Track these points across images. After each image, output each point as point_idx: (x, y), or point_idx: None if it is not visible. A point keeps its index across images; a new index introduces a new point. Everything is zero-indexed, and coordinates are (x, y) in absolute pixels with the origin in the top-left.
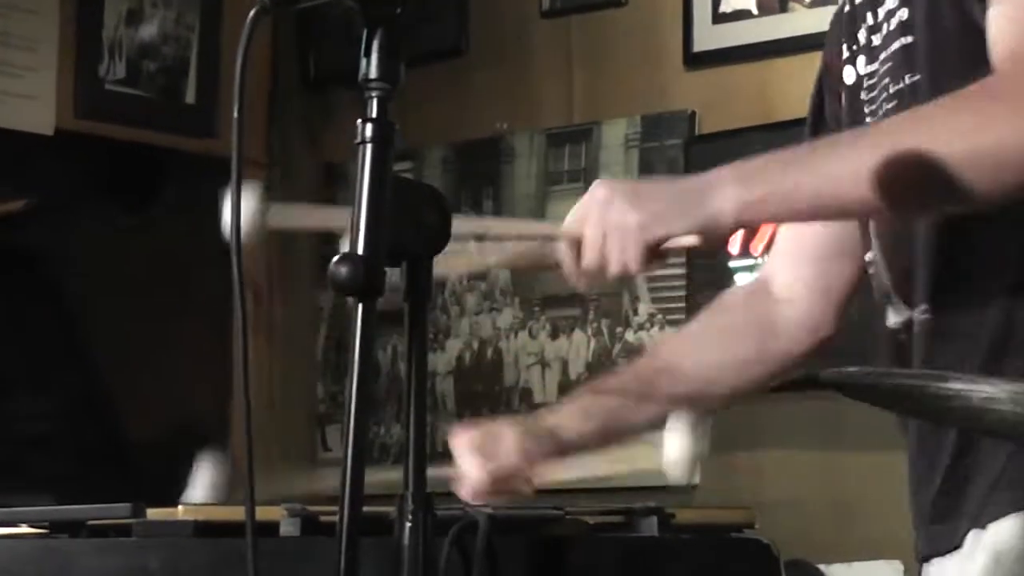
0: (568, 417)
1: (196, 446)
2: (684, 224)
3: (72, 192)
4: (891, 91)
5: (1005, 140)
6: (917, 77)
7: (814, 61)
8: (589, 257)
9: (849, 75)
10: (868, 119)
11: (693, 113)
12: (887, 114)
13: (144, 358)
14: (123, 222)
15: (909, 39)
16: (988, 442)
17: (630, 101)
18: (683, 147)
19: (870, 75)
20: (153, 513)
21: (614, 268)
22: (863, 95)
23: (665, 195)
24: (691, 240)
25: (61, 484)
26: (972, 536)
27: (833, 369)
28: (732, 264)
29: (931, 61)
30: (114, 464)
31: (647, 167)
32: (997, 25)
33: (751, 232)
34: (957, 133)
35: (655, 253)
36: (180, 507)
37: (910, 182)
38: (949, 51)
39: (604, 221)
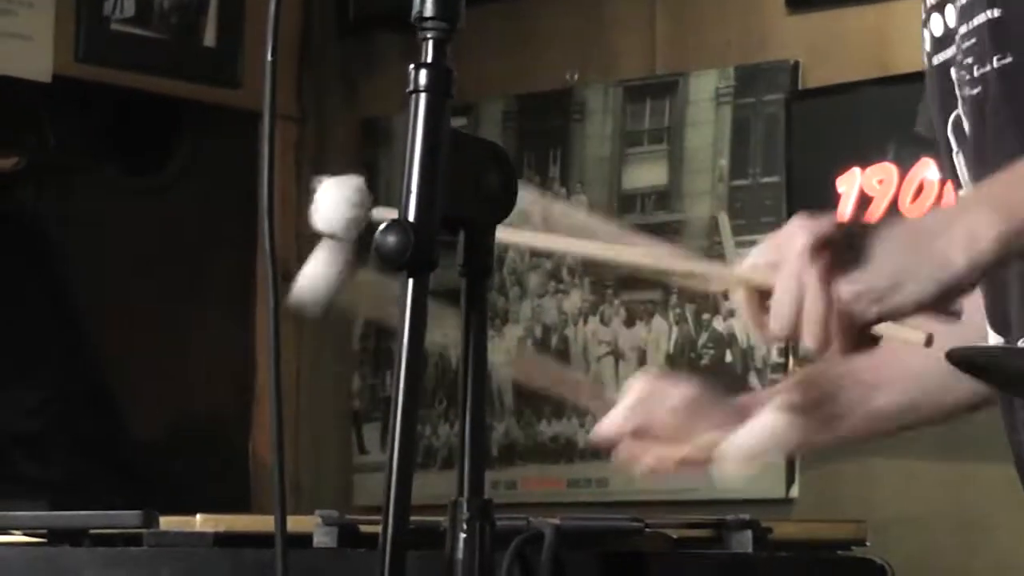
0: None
1: (211, 448)
2: (916, 293)
3: (71, 149)
4: (975, 73)
5: None
6: (1008, 60)
7: None
8: (779, 325)
9: (937, 26)
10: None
11: (796, 63)
12: (969, 103)
13: (153, 345)
14: (131, 185)
15: (996, 12)
16: None
17: (722, 49)
18: (784, 103)
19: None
20: (167, 522)
21: (811, 343)
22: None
23: (891, 254)
24: (919, 335)
25: (56, 488)
26: None
27: (964, 346)
28: None
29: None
30: (116, 467)
31: (741, 126)
32: None
33: (863, 204)
34: None
35: (868, 334)
36: (198, 516)
37: None
38: None
39: (802, 282)
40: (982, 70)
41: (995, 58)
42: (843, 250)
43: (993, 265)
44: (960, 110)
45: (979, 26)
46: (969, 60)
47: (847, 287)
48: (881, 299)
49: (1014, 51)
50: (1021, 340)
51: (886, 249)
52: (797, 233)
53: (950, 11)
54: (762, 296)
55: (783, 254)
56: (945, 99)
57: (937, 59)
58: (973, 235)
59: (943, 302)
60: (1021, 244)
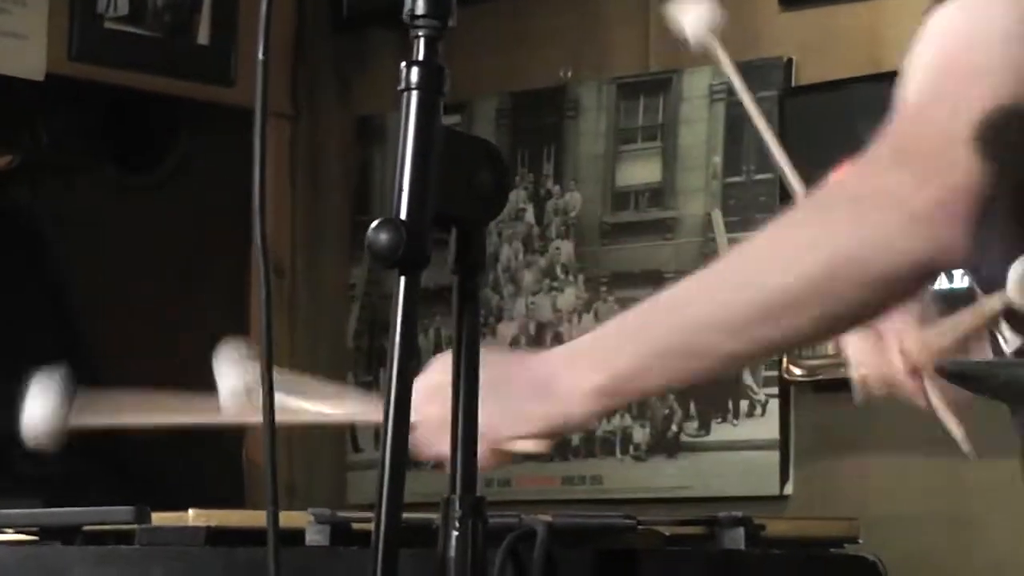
0: None
1: (205, 446)
2: (530, 428)
3: (65, 148)
4: None
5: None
6: None
7: None
8: (420, 447)
9: None
10: None
11: (789, 60)
12: None
13: (148, 342)
14: (125, 183)
15: None
16: None
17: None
18: (777, 100)
19: None
20: (159, 518)
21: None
22: None
23: (512, 393)
24: (539, 445)
25: (50, 485)
26: None
27: (957, 358)
28: None
29: None
30: (112, 465)
31: (735, 123)
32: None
33: None
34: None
35: (500, 455)
36: (190, 512)
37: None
38: None
39: (439, 415)
40: None
41: None
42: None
43: (601, 411)
44: None
45: None
46: None
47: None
48: (499, 430)
49: None
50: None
51: (509, 387)
52: (435, 363)
53: None
54: None
55: (427, 385)
56: None
57: None
58: (575, 385)
59: (554, 434)
60: (625, 393)
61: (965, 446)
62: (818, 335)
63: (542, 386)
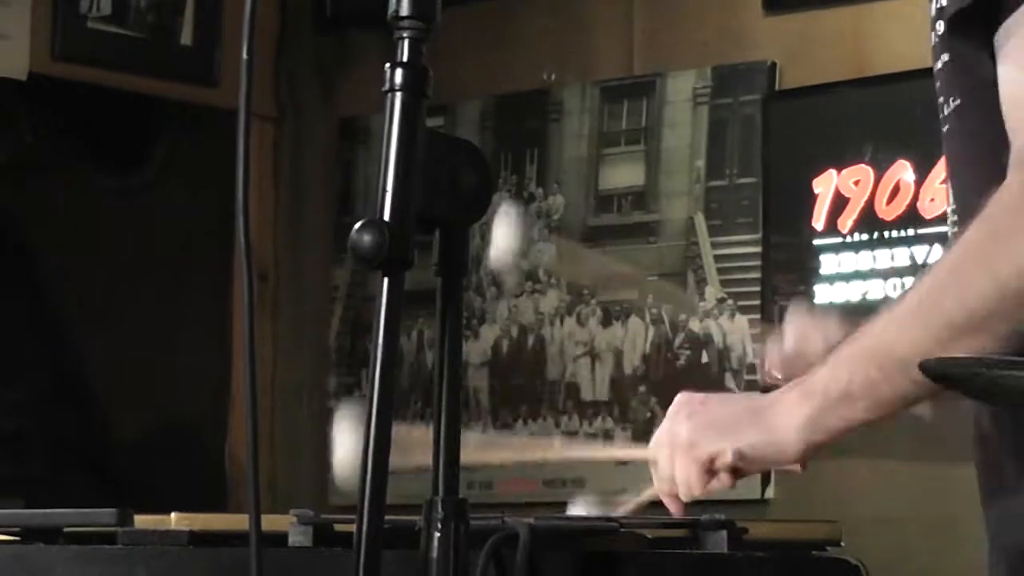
0: None
1: (188, 448)
2: (735, 442)
3: (48, 148)
4: (945, 112)
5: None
6: (959, 102)
7: (915, 5)
8: (658, 481)
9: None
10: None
11: (773, 64)
12: (944, 138)
13: (131, 344)
14: (108, 184)
15: (947, 57)
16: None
17: (699, 49)
18: (761, 104)
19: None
20: (142, 521)
21: (681, 492)
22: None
23: (728, 409)
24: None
25: (32, 486)
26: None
27: (937, 357)
28: (816, 242)
29: (968, 84)
30: (95, 467)
31: (718, 127)
32: (1007, 92)
33: (839, 205)
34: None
35: (713, 474)
36: (173, 515)
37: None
38: (974, 92)
39: (670, 439)
40: (946, 110)
41: (950, 99)
42: (694, 407)
43: (813, 442)
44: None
45: (939, 69)
46: (940, 100)
47: (687, 435)
48: (711, 439)
49: (962, 94)
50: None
51: (732, 404)
52: (674, 404)
53: (933, 37)
54: None
55: (663, 427)
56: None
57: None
58: (788, 413)
59: (759, 457)
60: (830, 423)
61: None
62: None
63: (758, 414)
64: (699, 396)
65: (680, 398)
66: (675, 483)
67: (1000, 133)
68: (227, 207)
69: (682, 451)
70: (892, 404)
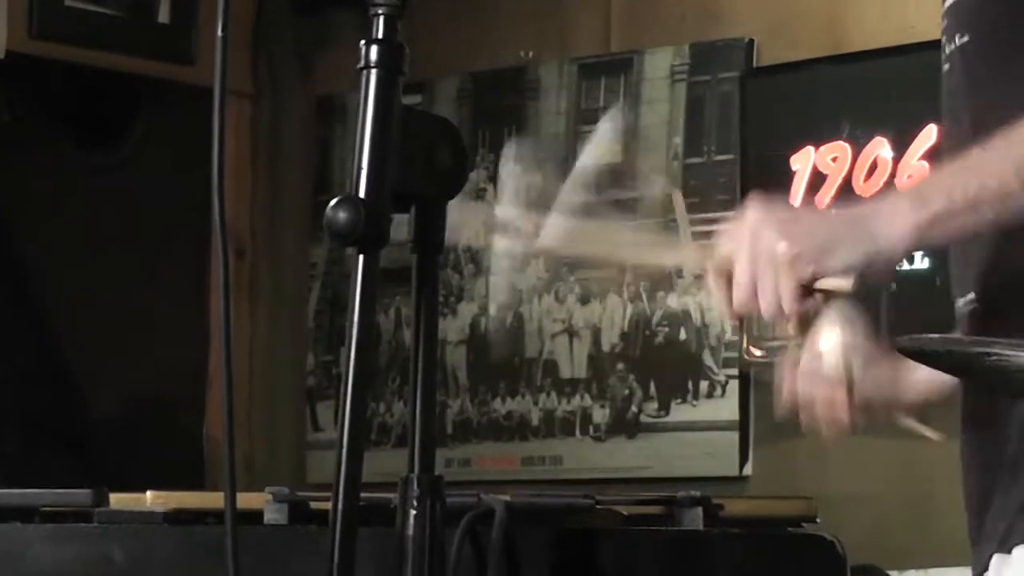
0: None
1: (166, 426)
2: (845, 258)
3: (25, 126)
4: (946, 51)
5: None
6: (966, 39)
7: None
8: (739, 294)
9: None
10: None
11: (751, 41)
12: (944, 78)
13: (108, 322)
14: (85, 162)
15: None
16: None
17: (677, 27)
18: (739, 81)
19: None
20: (117, 500)
21: (766, 307)
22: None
23: (826, 225)
24: (848, 282)
25: (8, 465)
26: (996, 560)
27: (912, 336)
28: None
29: (979, 20)
30: (73, 445)
31: (696, 104)
32: None
33: (817, 182)
34: None
35: (810, 291)
36: (148, 494)
37: None
38: (997, 9)
39: (754, 252)
40: (949, 48)
41: (956, 36)
42: (787, 224)
43: (912, 248)
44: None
45: (949, 7)
46: (944, 39)
47: (787, 247)
48: (816, 259)
49: (971, 30)
50: (970, 296)
51: (823, 222)
52: (749, 214)
53: None
54: (729, 279)
55: (739, 236)
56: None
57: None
58: (893, 222)
59: (867, 269)
60: (934, 232)
61: (934, 435)
62: None
63: (859, 224)
64: (781, 210)
65: (759, 208)
66: (753, 296)
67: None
68: (205, 185)
69: (780, 267)
70: (988, 220)
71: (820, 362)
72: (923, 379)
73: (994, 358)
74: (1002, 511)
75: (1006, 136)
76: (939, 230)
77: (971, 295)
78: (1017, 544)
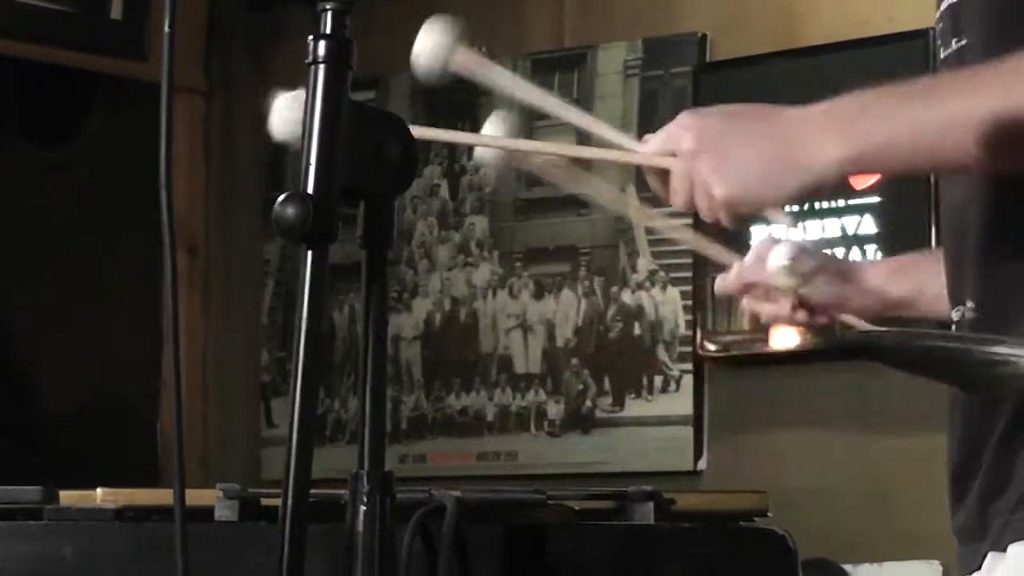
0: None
1: (120, 423)
2: (774, 199)
3: None
4: (942, 54)
5: None
6: (964, 42)
7: None
8: (677, 199)
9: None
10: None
11: (704, 36)
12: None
13: (60, 318)
14: (37, 158)
15: None
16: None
17: (630, 21)
18: (692, 75)
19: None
20: (68, 497)
21: (705, 217)
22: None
23: (757, 156)
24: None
25: None
26: (990, 558)
27: (861, 330)
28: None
29: (980, 23)
30: (22, 441)
31: (650, 98)
32: None
33: None
34: None
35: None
36: (99, 491)
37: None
38: (1000, 10)
39: (692, 171)
40: (945, 51)
41: (954, 40)
42: (719, 154)
43: (839, 179)
44: None
45: (946, 9)
46: (939, 42)
47: (721, 192)
48: (750, 204)
49: (971, 34)
50: (970, 304)
51: (753, 149)
52: (685, 122)
53: None
54: (665, 176)
55: (676, 141)
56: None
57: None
58: (824, 150)
59: (798, 202)
60: (861, 166)
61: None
62: None
63: (786, 153)
64: (713, 131)
65: (693, 124)
66: (693, 207)
67: None
68: (156, 181)
69: (715, 201)
70: (928, 163)
71: (769, 273)
72: (873, 288)
73: (950, 350)
74: (997, 507)
75: (965, 86)
76: (867, 167)
77: (970, 303)
78: (1012, 542)
